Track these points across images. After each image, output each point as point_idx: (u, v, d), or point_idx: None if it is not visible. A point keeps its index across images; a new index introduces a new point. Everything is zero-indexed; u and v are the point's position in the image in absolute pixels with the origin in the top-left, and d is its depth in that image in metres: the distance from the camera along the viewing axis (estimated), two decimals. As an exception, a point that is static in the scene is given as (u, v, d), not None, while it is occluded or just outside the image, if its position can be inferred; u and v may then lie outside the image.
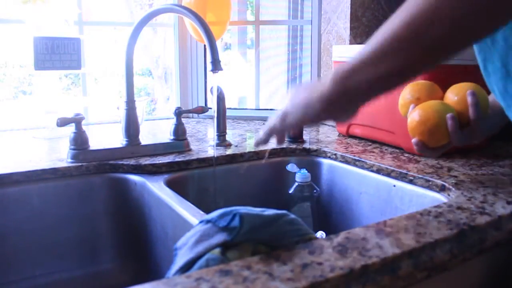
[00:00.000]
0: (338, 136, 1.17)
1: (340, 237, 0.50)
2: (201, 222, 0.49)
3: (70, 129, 0.88)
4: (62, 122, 0.84)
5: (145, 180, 0.84)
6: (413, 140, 0.70)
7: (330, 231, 0.96)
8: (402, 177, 0.81)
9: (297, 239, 0.48)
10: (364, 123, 1.07)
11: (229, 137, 1.14)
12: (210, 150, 1.00)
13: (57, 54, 1.11)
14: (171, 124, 0.99)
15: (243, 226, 0.45)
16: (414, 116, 0.70)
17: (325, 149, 1.00)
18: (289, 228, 0.47)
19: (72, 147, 0.87)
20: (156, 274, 0.83)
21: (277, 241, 0.47)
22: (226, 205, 0.51)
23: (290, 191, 0.91)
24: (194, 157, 0.93)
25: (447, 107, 0.69)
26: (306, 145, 1.04)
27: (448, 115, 0.68)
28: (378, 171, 0.86)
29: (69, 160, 0.87)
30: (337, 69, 0.52)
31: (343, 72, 0.51)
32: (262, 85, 1.89)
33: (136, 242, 0.88)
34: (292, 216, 0.49)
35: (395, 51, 0.47)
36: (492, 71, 0.60)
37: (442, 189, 0.74)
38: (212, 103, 1.02)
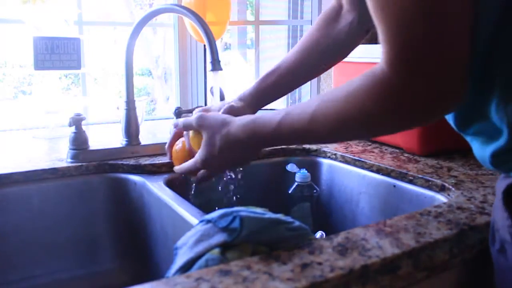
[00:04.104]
0: (338, 136, 1.16)
1: (340, 237, 0.50)
2: (201, 221, 0.49)
3: (70, 129, 0.88)
4: (75, 122, 0.86)
5: (145, 180, 0.84)
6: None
7: (330, 231, 0.95)
8: (402, 177, 0.81)
9: (296, 243, 0.48)
10: (364, 123, 1.07)
11: (229, 137, 1.14)
12: (210, 150, 1.00)
13: (57, 54, 1.11)
14: (171, 124, 0.99)
15: (243, 229, 0.45)
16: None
17: (325, 149, 1.00)
18: (288, 234, 0.47)
19: (72, 147, 0.87)
20: (156, 274, 0.83)
21: (276, 244, 0.47)
22: (226, 205, 0.52)
23: (290, 191, 0.91)
24: (194, 157, 0.92)
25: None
26: (306, 145, 1.04)
27: None
28: (378, 171, 0.86)
29: (69, 160, 0.87)
30: (257, 138, 0.63)
31: (259, 143, 0.64)
32: (262, 85, 1.88)
33: (136, 242, 0.88)
34: (293, 222, 0.49)
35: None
36: None
37: (442, 189, 0.74)
38: (212, 103, 1.02)
